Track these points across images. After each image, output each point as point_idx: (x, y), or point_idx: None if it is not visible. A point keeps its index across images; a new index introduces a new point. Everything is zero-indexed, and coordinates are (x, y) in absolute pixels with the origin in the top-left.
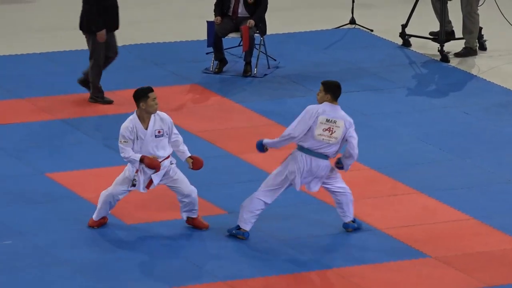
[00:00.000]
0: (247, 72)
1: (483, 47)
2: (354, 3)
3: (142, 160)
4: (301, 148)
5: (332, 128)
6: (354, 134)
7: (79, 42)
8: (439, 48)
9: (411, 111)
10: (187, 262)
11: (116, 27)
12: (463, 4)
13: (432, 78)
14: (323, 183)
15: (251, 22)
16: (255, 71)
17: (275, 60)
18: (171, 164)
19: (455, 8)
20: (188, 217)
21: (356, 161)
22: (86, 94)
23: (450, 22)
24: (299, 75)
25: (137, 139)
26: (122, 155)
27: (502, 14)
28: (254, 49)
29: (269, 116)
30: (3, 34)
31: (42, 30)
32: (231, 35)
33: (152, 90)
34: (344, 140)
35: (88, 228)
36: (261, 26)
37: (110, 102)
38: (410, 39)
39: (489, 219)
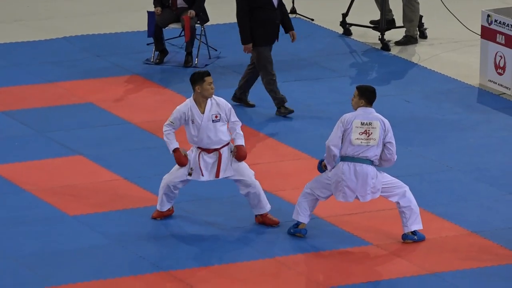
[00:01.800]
0: (188, 62)
1: (423, 35)
2: None
3: (174, 152)
4: (343, 158)
5: (369, 130)
6: (393, 140)
7: (18, 34)
8: (380, 37)
9: None
10: (128, 252)
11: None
12: None
13: (373, 66)
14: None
15: (192, 12)
16: (196, 61)
17: (216, 50)
18: (231, 152)
19: None
20: (256, 215)
21: (301, 151)
22: (26, 86)
23: (390, 10)
24: (240, 65)
25: (193, 123)
26: (164, 133)
27: (442, 2)
28: (195, 40)
29: None
30: None
31: None
32: (172, 25)
33: (209, 74)
34: (383, 143)
35: (31, 221)
36: (201, 16)
37: (252, 105)
38: (350, 28)
39: (430, 207)
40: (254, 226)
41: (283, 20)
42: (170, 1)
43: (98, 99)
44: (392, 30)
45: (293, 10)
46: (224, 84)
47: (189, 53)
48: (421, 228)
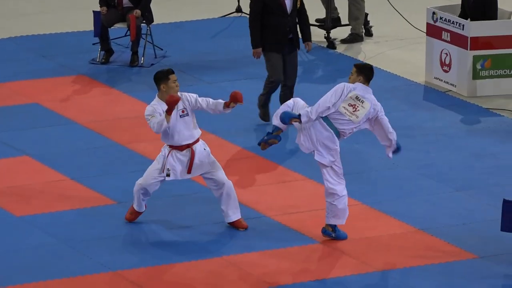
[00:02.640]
0: (134, 62)
1: (369, 33)
2: None
3: (168, 108)
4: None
5: (357, 106)
6: (384, 116)
7: None
8: (326, 35)
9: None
10: (76, 253)
11: (288, 50)
12: None
13: (319, 64)
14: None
15: (138, 12)
16: (142, 60)
17: (162, 49)
18: (205, 149)
19: None
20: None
21: (247, 150)
22: None
23: (336, 8)
24: (186, 64)
25: None
26: (154, 127)
27: (388, 0)
28: (141, 39)
29: None
30: None
31: None
32: (117, 25)
33: (173, 72)
34: (368, 123)
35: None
36: (147, 15)
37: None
38: None
39: (377, 204)
40: (202, 225)
41: (301, 28)
42: (115, 1)
43: (44, 99)
44: (338, 28)
45: (239, 9)
46: None
47: (135, 53)
48: (342, 224)
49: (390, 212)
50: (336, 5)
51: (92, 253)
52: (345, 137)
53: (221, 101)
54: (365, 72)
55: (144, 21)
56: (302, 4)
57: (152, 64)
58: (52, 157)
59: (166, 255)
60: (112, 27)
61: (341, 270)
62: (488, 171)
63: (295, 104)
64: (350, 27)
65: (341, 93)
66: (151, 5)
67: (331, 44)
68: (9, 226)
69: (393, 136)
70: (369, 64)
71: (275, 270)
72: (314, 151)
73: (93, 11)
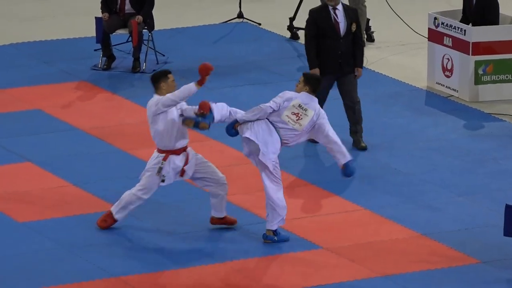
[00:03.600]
0: (135, 68)
1: (371, 39)
2: None
3: (200, 79)
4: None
5: (300, 115)
6: (327, 123)
7: None
8: None
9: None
10: (77, 258)
11: (342, 72)
12: None
13: None
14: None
15: (139, 17)
16: (143, 66)
17: (163, 55)
18: (196, 155)
19: (343, 0)
20: (215, 217)
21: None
22: None
23: None
24: (188, 70)
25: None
26: (178, 96)
27: (389, 5)
28: (143, 45)
29: None
30: None
31: None
32: (119, 31)
33: (170, 72)
34: (312, 131)
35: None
36: (149, 22)
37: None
38: (298, 32)
39: (380, 210)
40: (205, 231)
41: (354, 53)
42: (117, 7)
43: (46, 105)
44: None
45: (240, 15)
46: None
47: (136, 59)
48: (282, 224)
49: (392, 217)
50: None
51: (93, 259)
52: (289, 145)
53: (192, 108)
54: (312, 83)
55: (145, 27)
56: (358, 27)
57: (154, 70)
58: (54, 163)
59: (169, 261)
60: (114, 33)
61: (345, 275)
62: (490, 176)
63: (222, 107)
64: None
65: (279, 102)
66: (153, 11)
67: None
68: (11, 231)
69: (339, 147)
70: (317, 75)
71: (278, 276)
72: (258, 152)
73: (95, 17)
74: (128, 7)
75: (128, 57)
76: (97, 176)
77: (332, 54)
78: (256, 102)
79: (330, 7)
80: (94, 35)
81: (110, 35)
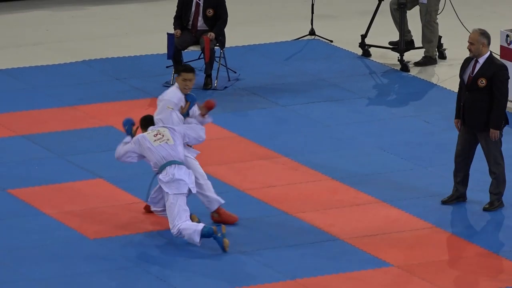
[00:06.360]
0: (207, 85)
1: (442, 56)
2: (314, 14)
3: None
4: (167, 164)
5: (159, 133)
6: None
7: (38, 58)
8: (399, 58)
9: (372, 121)
10: (151, 276)
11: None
12: (422, 14)
13: (392, 87)
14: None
15: (212, 34)
16: (215, 83)
17: (235, 72)
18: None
19: (414, 17)
20: (212, 212)
21: (320, 172)
22: (46, 109)
23: (409, 31)
24: (260, 87)
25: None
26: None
27: (461, 23)
28: (214, 62)
29: (230, 128)
30: None
31: (2, 47)
32: (191, 48)
33: (189, 71)
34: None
35: (51, 244)
36: (221, 39)
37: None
38: (369, 49)
39: (450, 227)
40: (271, 248)
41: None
42: (190, 23)
43: (118, 122)
44: (411, 51)
45: (312, 32)
46: (244, 106)
47: (208, 76)
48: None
49: (460, 234)
50: (409, 27)
51: (166, 276)
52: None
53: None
54: (143, 124)
55: (217, 45)
56: (491, 82)
57: (226, 87)
58: (126, 180)
59: (240, 278)
60: (185, 50)
61: None
62: None
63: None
64: (423, 49)
65: (136, 147)
66: (225, 29)
67: (404, 67)
68: (83, 248)
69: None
70: (147, 116)
71: None
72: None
73: (167, 33)
74: (200, 23)
75: (200, 74)
76: None
77: (459, 107)
78: (328, 119)
79: None
80: (166, 51)
81: (182, 51)
